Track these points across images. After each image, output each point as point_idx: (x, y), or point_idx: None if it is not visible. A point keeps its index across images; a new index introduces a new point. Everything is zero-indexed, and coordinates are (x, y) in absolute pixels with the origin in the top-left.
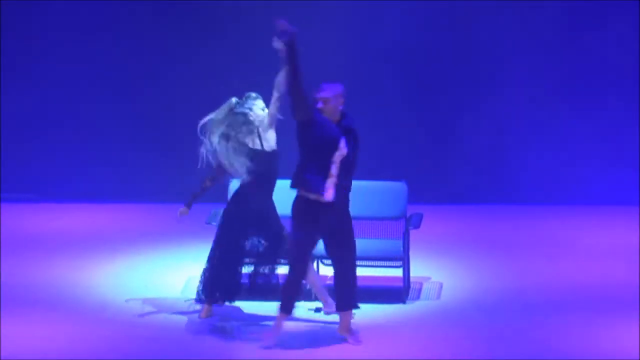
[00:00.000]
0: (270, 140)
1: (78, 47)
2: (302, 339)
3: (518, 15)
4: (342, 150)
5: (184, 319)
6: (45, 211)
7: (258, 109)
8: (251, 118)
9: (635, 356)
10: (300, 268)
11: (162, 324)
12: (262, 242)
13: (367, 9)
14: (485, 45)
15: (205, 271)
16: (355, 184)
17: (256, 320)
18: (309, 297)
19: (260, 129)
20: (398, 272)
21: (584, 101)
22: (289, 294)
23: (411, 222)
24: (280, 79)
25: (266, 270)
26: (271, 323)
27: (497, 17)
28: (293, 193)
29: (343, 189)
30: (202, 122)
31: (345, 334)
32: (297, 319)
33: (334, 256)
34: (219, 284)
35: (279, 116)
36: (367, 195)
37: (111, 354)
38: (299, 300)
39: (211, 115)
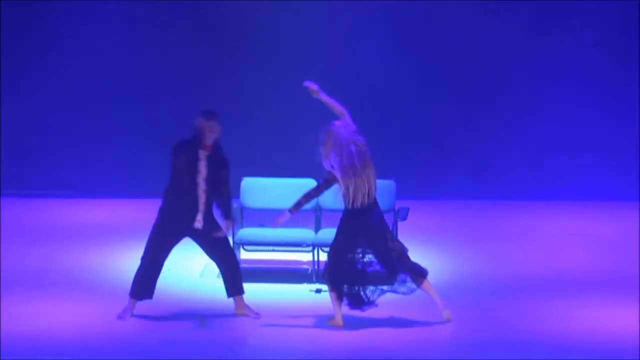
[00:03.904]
0: None
1: (94, 46)
2: (302, 318)
3: (513, 17)
4: None
5: (202, 297)
6: (80, 206)
7: None
8: None
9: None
10: None
11: (183, 301)
12: None
13: (365, 15)
14: (478, 46)
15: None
16: None
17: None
18: (310, 279)
19: None
20: None
21: (577, 99)
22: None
23: (399, 215)
24: None
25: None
26: None
27: (489, 18)
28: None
29: None
30: None
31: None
32: (299, 300)
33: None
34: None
35: None
36: None
37: (140, 327)
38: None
39: None
